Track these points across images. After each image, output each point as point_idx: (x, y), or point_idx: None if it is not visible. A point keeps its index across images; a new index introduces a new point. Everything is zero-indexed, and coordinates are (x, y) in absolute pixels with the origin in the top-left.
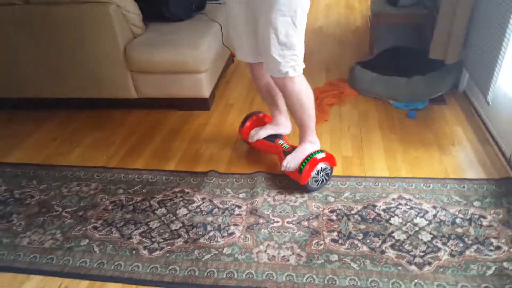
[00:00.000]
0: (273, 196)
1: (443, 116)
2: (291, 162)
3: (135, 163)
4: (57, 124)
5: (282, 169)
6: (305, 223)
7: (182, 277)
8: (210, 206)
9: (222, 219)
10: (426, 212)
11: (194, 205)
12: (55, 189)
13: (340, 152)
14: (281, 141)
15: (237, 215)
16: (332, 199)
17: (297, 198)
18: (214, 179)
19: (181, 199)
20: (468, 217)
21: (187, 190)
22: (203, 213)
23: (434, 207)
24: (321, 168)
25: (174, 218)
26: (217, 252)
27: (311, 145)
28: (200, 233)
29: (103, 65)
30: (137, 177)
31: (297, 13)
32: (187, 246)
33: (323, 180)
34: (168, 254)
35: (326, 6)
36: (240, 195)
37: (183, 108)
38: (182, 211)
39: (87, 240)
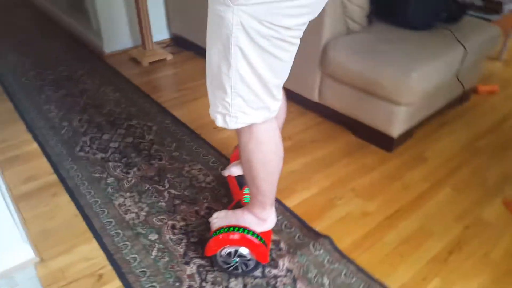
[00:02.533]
0: None
1: None
2: (219, 220)
3: None
4: None
5: (209, 219)
6: None
7: None
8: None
9: None
10: None
11: (274, 272)
12: None
13: None
14: (247, 189)
15: None
16: None
17: None
18: (322, 251)
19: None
20: None
21: (281, 245)
22: None
23: None
24: (238, 253)
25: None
26: None
27: (256, 220)
28: None
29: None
30: None
31: (231, 41)
32: None
33: (237, 268)
34: None
35: None
36: None
37: (360, 136)
38: (243, 280)
39: (156, 236)
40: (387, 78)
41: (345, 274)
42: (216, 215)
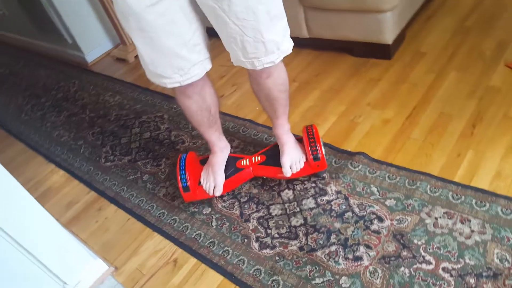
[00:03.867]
0: (436, 218)
1: None
2: (293, 160)
3: None
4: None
5: (288, 175)
6: (472, 281)
7: None
8: (344, 207)
9: (353, 232)
10: None
11: (325, 198)
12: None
13: None
14: (244, 162)
15: (374, 232)
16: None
17: (472, 232)
18: (361, 166)
19: (313, 185)
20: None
21: (323, 175)
22: (332, 214)
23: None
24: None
25: (298, 209)
26: (332, 278)
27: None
28: (321, 242)
29: None
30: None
31: None
32: (301, 254)
33: None
34: (277, 258)
35: None
36: (388, 202)
37: (358, 54)
38: (309, 202)
39: (209, 209)
40: None
41: (388, 177)
42: (286, 167)
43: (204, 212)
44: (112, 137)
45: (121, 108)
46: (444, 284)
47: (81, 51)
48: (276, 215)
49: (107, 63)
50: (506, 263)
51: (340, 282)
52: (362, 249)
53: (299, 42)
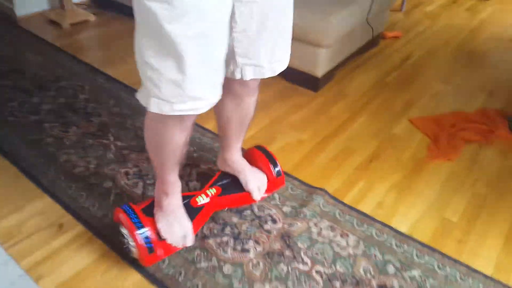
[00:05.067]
0: (321, 229)
1: None
2: (260, 183)
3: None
4: None
5: (258, 199)
6: (337, 285)
7: (165, 275)
8: (245, 206)
9: (247, 228)
10: None
11: None
12: None
13: (444, 212)
14: (200, 198)
15: (266, 231)
16: (392, 269)
17: (348, 245)
18: None
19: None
20: None
21: None
22: (233, 210)
23: None
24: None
25: None
26: (216, 264)
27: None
28: (215, 232)
29: None
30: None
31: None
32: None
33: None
34: None
35: None
36: (284, 208)
37: (290, 79)
38: None
39: (111, 183)
40: (309, 23)
41: (291, 188)
42: (256, 192)
43: (104, 186)
44: (24, 94)
45: (41, 69)
46: (314, 283)
47: (11, 0)
48: None
49: (38, 23)
50: (369, 275)
51: (223, 269)
52: (251, 243)
53: None
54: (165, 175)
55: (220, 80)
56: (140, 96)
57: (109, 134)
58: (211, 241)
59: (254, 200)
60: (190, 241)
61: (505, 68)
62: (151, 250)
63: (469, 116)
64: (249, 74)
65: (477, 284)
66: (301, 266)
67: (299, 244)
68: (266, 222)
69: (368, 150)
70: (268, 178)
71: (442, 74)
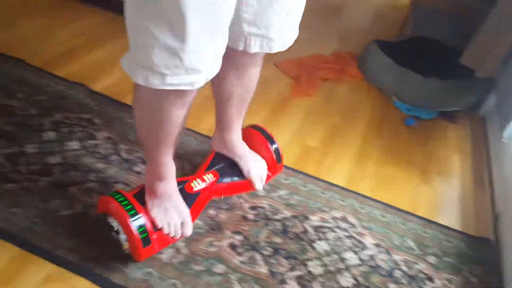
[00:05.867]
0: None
1: (445, 137)
2: (260, 173)
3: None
4: None
5: (261, 188)
6: (212, 212)
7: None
8: (111, 151)
9: (115, 172)
10: (365, 248)
11: (92, 142)
12: None
13: (305, 139)
14: (195, 183)
15: (137, 172)
16: (261, 193)
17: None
18: None
19: (82, 128)
20: (412, 273)
21: (96, 121)
22: (97, 156)
23: (378, 246)
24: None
25: (61, 148)
26: (81, 211)
27: None
28: (78, 179)
29: None
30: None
31: None
32: (51, 188)
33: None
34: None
35: None
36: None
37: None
38: (75, 144)
39: None
40: None
41: None
42: (257, 183)
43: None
44: None
45: None
46: None
47: None
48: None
49: None
50: (242, 200)
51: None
52: (120, 186)
53: None
54: (160, 157)
55: (223, 49)
56: (124, 63)
57: None
58: (74, 188)
59: (254, 189)
60: (188, 230)
61: (355, 17)
62: (147, 241)
63: (326, 58)
64: (255, 46)
65: (334, 194)
66: None
67: None
68: (137, 165)
69: None
70: (268, 165)
71: (303, 23)
